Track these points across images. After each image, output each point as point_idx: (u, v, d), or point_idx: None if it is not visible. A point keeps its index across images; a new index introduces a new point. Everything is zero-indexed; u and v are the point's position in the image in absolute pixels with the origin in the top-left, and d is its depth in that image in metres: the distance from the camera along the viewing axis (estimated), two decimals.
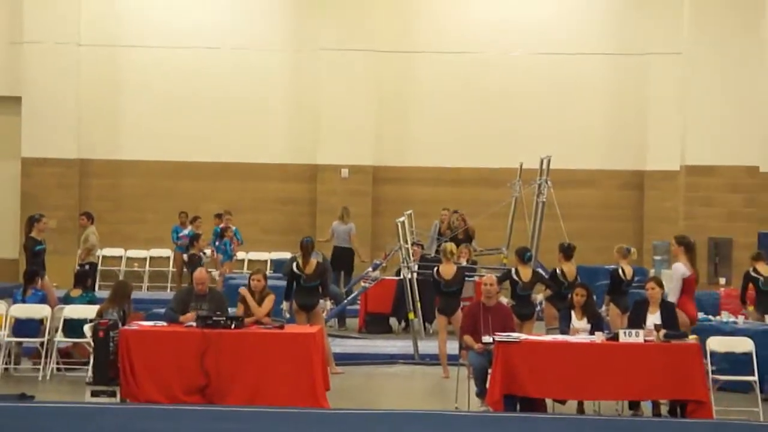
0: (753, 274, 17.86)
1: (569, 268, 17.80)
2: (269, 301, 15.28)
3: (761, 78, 22.93)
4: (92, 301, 17.52)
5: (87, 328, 15.79)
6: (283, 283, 17.85)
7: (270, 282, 16.46)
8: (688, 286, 16.05)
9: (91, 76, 28.05)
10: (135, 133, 28.20)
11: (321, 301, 16.91)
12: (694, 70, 22.94)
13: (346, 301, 21.45)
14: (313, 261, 16.87)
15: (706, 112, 22.62)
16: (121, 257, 28.09)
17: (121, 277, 25.43)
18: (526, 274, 16.76)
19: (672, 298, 15.63)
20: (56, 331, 16.82)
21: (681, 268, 16.01)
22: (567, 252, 18.00)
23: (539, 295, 17.33)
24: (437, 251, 21.57)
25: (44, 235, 19.65)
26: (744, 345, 14.84)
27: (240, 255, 26.13)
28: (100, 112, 28.16)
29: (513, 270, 16.95)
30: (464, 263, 20.73)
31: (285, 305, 16.89)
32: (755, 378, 14.41)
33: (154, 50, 28.09)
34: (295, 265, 17.04)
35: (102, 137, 28.17)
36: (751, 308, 17.98)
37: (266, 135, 28.19)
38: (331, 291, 19.15)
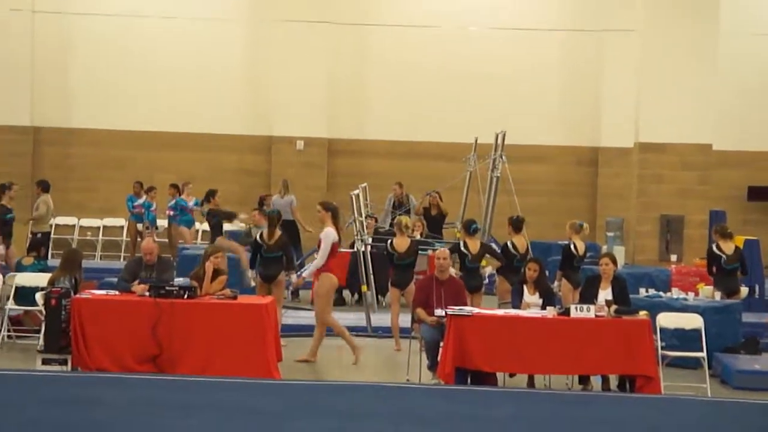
0: (716, 251, 17.95)
1: (520, 241, 17.95)
2: (219, 283, 15.19)
3: (715, 56, 23.07)
4: (44, 270, 17.43)
5: (39, 296, 15.71)
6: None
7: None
8: (334, 250, 16.25)
9: (45, 44, 27.83)
10: (89, 102, 28.01)
11: (284, 273, 16.86)
12: (649, 48, 23.05)
13: (298, 273, 21.41)
14: (277, 232, 16.84)
15: (660, 90, 22.75)
16: (74, 226, 27.93)
17: (74, 246, 25.27)
18: (474, 246, 16.82)
19: (320, 261, 15.94)
20: (7, 298, 16.73)
21: (333, 233, 16.19)
22: (516, 225, 18.14)
23: (488, 268, 17.41)
24: (391, 224, 21.60)
25: (13, 203, 19.60)
26: (693, 322, 14.98)
27: (195, 225, 26.07)
28: (55, 79, 27.95)
29: (461, 243, 17.00)
30: (418, 236, 20.80)
31: (251, 273, 17.00)
32: (704, 354, 14.56)
33: (110, 18, 27.87)
34: (258, 235, 17.04)
35: (56, 105, 27.97)
36: (701, 285, 18.14)
37: (221, 106, 28.06)
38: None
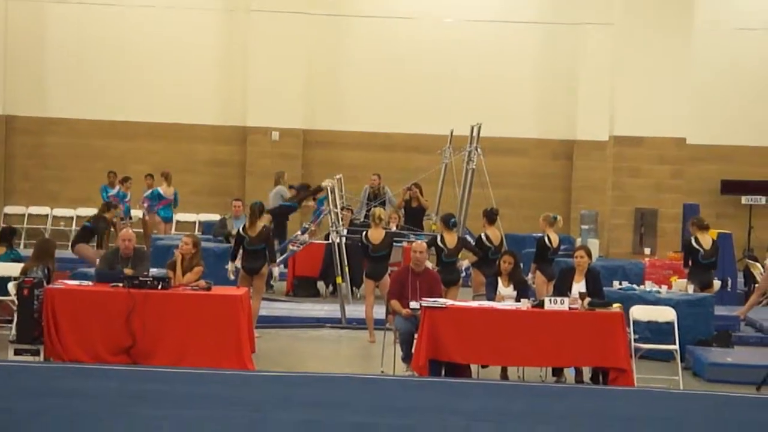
0: (695, 245, 18.01)
1: (494, 233, 18.01)
2: (194, 274, 15.16)
3: (690, 51, 23.15)
4: (17, 259, 17.33)
5: (11, 286, 15.62)
6: (213, 244, 17.71)
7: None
8: None
9: (18, 32, 27.67)
10: (63, 91, 27.87)
11: (267, 265, 16.77)
12: (626, 42, 23.11)
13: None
14: (259, 224, 16.75)
15: (635, 84, 22.82)
16: (47, 216, 27.81)
17: (47, 236, 25.16)
18: (451, 240, 16.82)
19: None
20: None
21: None
22: (490, 217, 18.22)
23: (464, 261, 17.43)
24: (367, 216, 21.59)
25: None
26: (666, 314, 15.03)
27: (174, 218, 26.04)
28: (27, 67, 27.79)
29: (438, 237, 17.01)
30: (394, 228, 20.80)
31: (230, 266, 16.84)
32: (676, 347, 14.59)
33: (84, 6, 27.72)
34: (241, 227, 16.97)
35: (29, 93, 27.82)
36: (675, 278, 18.21)
37: (196, 96, 27.98)
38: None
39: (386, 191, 24.18)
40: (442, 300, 14.44)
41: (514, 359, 14.21)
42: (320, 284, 22.05)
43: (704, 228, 18.28)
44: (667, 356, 15.03)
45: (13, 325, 14.72)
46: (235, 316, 14.42)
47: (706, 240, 18.13)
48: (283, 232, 22.61)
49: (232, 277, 16.77)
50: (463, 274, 17.33)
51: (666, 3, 22.85)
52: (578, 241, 22.25)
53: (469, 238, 19.64)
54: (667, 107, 22.67)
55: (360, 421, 11.50)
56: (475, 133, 22.59)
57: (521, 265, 15.69)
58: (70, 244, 20.80)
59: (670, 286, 17.54)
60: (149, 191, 24.89)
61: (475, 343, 13.90)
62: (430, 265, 16.05)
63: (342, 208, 21.07)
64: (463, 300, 15.71)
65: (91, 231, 20.66)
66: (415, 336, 14.07)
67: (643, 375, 14.34)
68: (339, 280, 19.27)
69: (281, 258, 21.54)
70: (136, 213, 25.56)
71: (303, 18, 27.41)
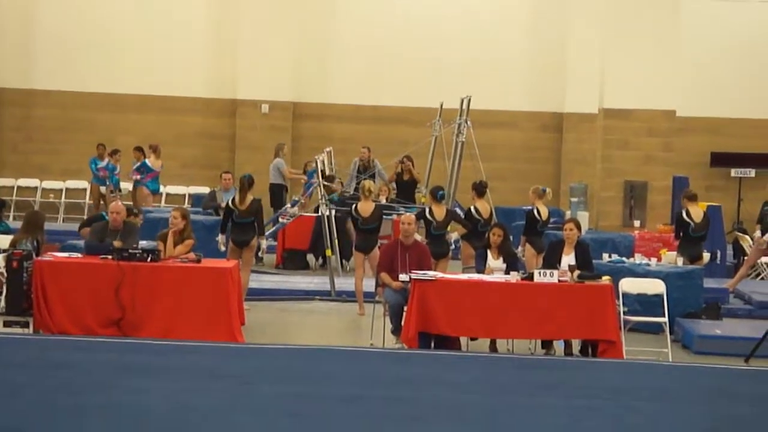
0: (686, 218, 18.00)
1: (483, 205, 18.01)
2: (185, 247, 15.16)
3: (679, 22, 23.12)
4: (6, 232, 17.29)
5: (0, 258, 15.58)
6: (202, 216, 17.69)
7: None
8: None
9: (6, 3, 27.52)
10: (51, 63, 27.75)
11: (256, 238, 16.76)
12: (615, 14, 23.07)
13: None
14: (249, 197, 16.71)
15: (624, 56, 22.81)
16: (36, 188, 27.75)
17: (36, 208, 25.10)
18: (439, 213, 16.82)
19: None
20: None
21: None
22: (479, 189, 18.20)
23: (454, 234, 17.42)
24: (356, 189, 21.58)
25: None
26: (656, 287, 15.05)
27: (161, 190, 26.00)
28: (14, 39, 27.64)
29: (427, 209, 17.00)
30: (383, 201, 20.79)
31: (220, 238, 16.84)
32: (665, 319, 14.62)
33: None
34: (230, 200, 16.94)
35: (18, 66, 27.69)
36: (664, 251, 18.24)
37: (186, 68, 27.88)
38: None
39: (376, 164, 24.16)
40: (431, 272, 14.44)
41: (504, 332, 14.23)
42: (310, 257, 22.05)
43: (693, 198, 18.27)
44: (656, 328, 15.06)
45: (2, 297, 14.70)
46: (224, 289, 14.41)
47: (698, 213, 18.13)
48: (282, 206, 22.66)
49: (222, 248, 16.77)
50: (453, 246, 17.33)
51: None
52: (568, 214, 22.28)
53: (458, 210, 19.64)
54: (656, 79, 22.67)
55: (349, 393, 11.51)
56: (464, 106, 22.56)
57: (511, 237, 15.69)
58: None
59: (659, 259, 17.56)
60: (138, 164, 24.81)
61: (464, 315, 13.90)
62: (419, 237, 16.05)
63: (331, 180, 21.05)
64: (452, 273, 15.70)
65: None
66: (405, 308, 14.08)
67: (632, 347, 14.37)
68: (328, 252, 19.28)
69: (270, 231, 21.56)
70: (126, 185, 25.51)
71: None
